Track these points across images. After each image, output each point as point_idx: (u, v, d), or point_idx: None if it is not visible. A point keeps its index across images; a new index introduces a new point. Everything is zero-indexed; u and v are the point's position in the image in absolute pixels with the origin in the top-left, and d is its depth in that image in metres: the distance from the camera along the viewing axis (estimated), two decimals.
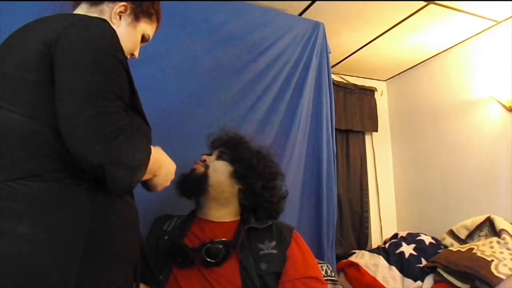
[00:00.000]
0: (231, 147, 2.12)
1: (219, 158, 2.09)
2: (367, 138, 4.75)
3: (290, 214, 2.64)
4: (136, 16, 1.49)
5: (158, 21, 1.60)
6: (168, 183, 1.44)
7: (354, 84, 4.65)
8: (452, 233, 3.48)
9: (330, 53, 3.22)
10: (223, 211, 2.04)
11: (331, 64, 3.38)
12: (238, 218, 2.06)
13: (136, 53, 1.57)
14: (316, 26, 3.15)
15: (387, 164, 4.81)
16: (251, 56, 2.84)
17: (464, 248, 3.00)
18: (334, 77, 4.20)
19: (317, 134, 3.01)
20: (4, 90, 1.16)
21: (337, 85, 4.41)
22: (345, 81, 4.61)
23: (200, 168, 2.05)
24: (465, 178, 3.85)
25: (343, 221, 4.27)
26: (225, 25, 2.76)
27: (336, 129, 3.35)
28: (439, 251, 3.33)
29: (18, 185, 1.07)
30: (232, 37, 2.78)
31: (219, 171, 2.04)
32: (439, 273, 2.93)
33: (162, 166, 1.38)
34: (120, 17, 1.46)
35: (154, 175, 1.35)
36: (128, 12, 1.47)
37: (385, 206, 4.65)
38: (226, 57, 2.74)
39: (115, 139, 1.07)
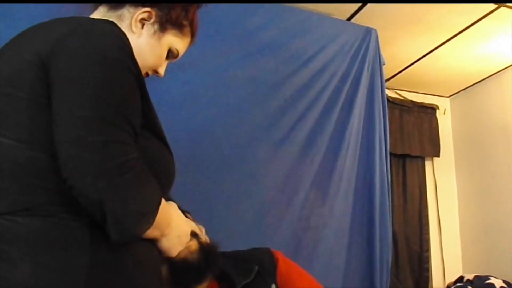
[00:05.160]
0: None
1: None
2: (427, 164, 4.77)
3: (337, 252, 2.69)
4: (162, 26, 1.39)
5: (192, 35, 1.50)
6: (183, 246, 1.33)
7: (412, 101, 4.69)
8: None
9: (384, 64, 3.18)
10: None
11: (385, 77, 3.38)
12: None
13: (161, 71, 1.48)
14: (368, 33, 3.11)
15: (451, 195, 4.80)
16: (292, 68, 2.81)
17: None
18: (389, 92, 4.25)
19: (369, 159, 2.97)
20: None
21: (392, 102, 4.46)
22: (401, 98, 4.66)
23: None
24: None
25: (399, 261, 4.30)
26: (260, 31, 2.72)
27: (391, 154, 3.34)
28: None
29: (6, 222, 1.00)
30: (269, 45, 2.74)
31: None
32: None
33: (172, 223, 1.26)
34: (142, 26, 1.38)
35: (162, 235, 1.23)
36: (152, 20, 1.38)
37: (449, 244, 4.64)
38: (262, 69, 2.71)
39: (123, 174, 1.00)
